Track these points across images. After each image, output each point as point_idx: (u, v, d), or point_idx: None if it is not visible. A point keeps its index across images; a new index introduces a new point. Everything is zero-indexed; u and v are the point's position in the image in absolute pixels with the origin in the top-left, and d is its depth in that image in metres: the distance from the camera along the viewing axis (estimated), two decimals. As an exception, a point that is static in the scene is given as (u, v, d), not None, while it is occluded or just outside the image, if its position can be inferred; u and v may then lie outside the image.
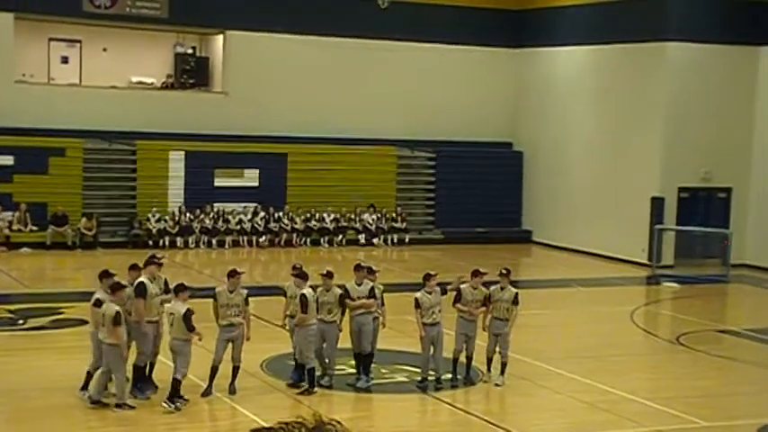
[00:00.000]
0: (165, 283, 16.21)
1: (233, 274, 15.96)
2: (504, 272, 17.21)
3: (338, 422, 3.15)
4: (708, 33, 31.48)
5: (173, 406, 14.88)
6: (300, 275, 16.42)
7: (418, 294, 16.62)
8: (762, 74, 32.07)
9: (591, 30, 33.96)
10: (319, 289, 16.39)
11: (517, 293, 17.07)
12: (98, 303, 15.09)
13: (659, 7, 31.95)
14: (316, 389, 16.07)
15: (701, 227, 31.61)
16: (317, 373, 16.25)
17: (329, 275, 16.43)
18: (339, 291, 16.43)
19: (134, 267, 16.13)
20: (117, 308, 14.76)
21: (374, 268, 17.32)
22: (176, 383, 14.98)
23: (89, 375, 15.29)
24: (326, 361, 16.48)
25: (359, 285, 16.65)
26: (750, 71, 32.12)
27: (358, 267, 16.97)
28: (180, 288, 15.34)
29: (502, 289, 17.05)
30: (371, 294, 16.54)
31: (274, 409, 15.66)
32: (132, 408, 14.89)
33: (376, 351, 16.70)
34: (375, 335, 16.71)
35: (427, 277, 16.72)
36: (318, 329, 16.25)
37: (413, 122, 35.65)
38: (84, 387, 15.28)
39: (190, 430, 14.73)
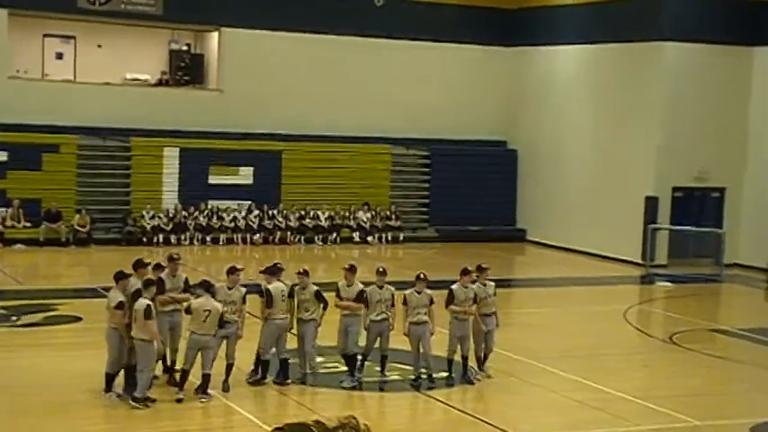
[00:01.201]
0: (186, 281, 16.21)
1: (232, 271, 15.97)
2: (481, 268, 17.37)
3: (366, 424, 3.27)
4: (703, 33, 31.50)
5: (207, 396, 15.25)
6: (267, 271, 16.40)
7: (407, 292, 16.74)
8: (756, 74, 32.10)
9: (586, 29, 33.98)
10: (296, 288, 16.37)
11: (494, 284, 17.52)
12: (121, 306, 15.04)
13: (655, 7, 31.97)
14: (267, 379, 16.15)
15: (695, 226, 31.68)
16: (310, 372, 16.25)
17: (305, 273, 16.45)
18: (315, 288, 16.43)
19: (158, 266, 16.19)
20: (148, 301, 14.78)
21: (383, 269, 17.21)
22: (207, 378, 15.21)
23: (108, 376, 15.23)
24: (306, 359, 16.43)
25: (349, 287, 16.65)
26: (745, 71, 32.15)
27: (349, 269, 16.91)
28: (208, 285, 15.50)
29: (484, 285, 17.17)
30: (360, 297, 16.50)
31: (268, 406, 15.70)
32: (147, 406, 14.80)
33: (363, 351, 16.70)
34: (386, 336, 16.64)
35: (419, 278, 16.80)
36: (298, 329, 16.27)
37: (408, 120, 35.63)
38: (108, 389, 15.25)
39: (184, 427, 14.74)
